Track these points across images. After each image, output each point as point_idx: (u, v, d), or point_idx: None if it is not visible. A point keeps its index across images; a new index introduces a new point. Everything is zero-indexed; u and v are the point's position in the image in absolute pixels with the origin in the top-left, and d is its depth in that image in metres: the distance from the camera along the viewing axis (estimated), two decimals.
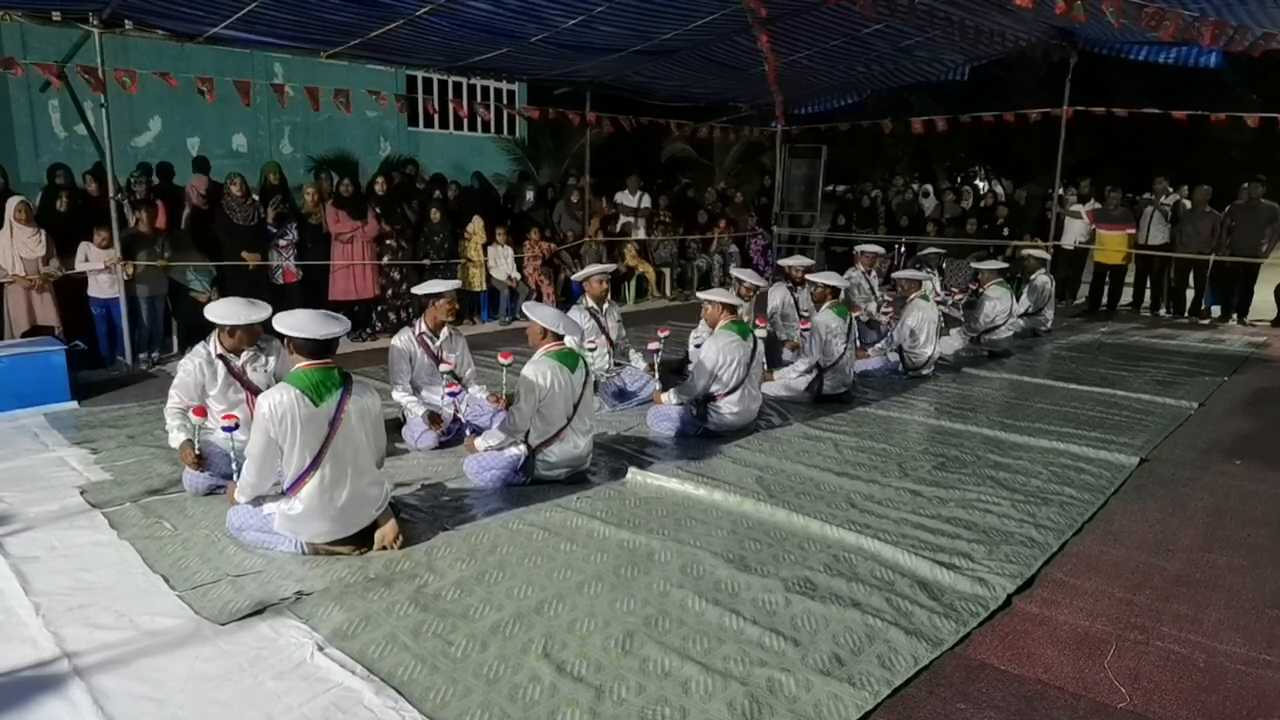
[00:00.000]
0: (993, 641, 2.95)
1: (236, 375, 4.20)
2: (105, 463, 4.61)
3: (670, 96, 11.24)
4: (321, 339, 3.39)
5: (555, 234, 10.56)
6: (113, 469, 4.52)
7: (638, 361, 6.20)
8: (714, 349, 5.17)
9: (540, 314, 4.33)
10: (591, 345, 6.01)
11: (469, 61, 8.87)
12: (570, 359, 4.28)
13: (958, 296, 8.29)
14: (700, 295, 5.48)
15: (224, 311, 4.06)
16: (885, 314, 8.22)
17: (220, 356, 4.18)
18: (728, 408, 5.20)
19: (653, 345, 6.04)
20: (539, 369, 4.16)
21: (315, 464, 3.34)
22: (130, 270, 6.84)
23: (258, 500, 3.54)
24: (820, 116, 12.79)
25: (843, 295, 6.47)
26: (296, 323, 3.39)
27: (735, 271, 6.86)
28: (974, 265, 8.51)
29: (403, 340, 5.16)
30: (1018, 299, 8.55)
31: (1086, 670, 2.78)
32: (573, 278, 8.40)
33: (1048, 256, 9.46)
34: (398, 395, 5.06)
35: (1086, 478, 4.60)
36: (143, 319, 7.11)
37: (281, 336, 3.50)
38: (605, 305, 6.27)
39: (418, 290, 5.32)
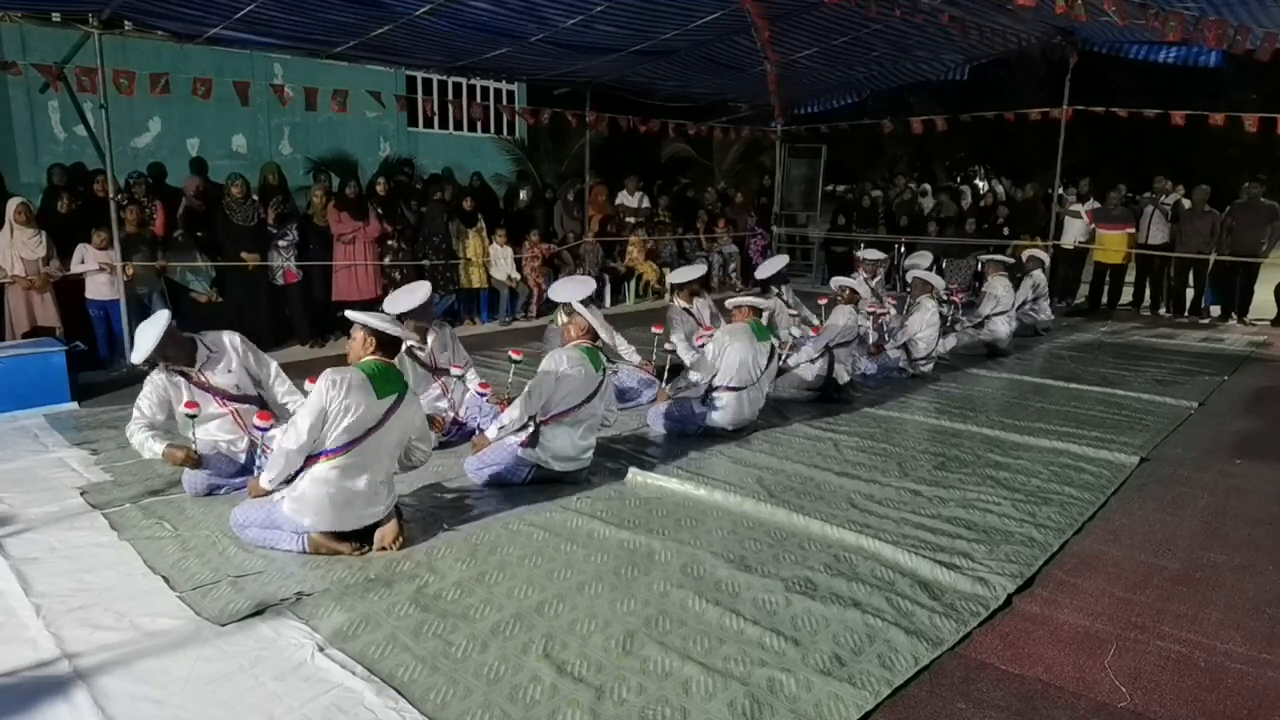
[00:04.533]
0: (993, 641, 2.95)
1: (201, 385, 4.10)
2: (105, 464, 4.61)
3: (670, 96, 11.24)
4: (392, 334, 3.57)
5: (554, 234, 10.57)
6: (113, 470, 4.51)
7: (630, 356, 6.22)
8: (719, 341, 5.17)
9: (591, 316, 4.45)
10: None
11: (469, 61, 8.87)
12: (595, 357, 4.38)
13: (958, 296, 8.28)
14: (729, 304, 5.54)
15: (139, 345, 3.97)
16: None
17: (178, 374, 4.08)
18: (728, 402, 5.17)
19: (668, 346, 6.05)
20: (565, 354, 4.27)
21: (345, 449, 3.36)
22: (130, 272, 6.84)
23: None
24: (820, 116, 12.79)
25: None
26: (379, 320, 3.58)
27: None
28: (981, 258, 8.54)
29: None
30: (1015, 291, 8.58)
31: (1087, 670, 2.78)
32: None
33: (1045, 258, 9.44)
34: None
35: (1087, 477, 4.59)
36: (140, 320, 7.10)
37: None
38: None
39: (388, 308, 4.78)
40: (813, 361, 6.13)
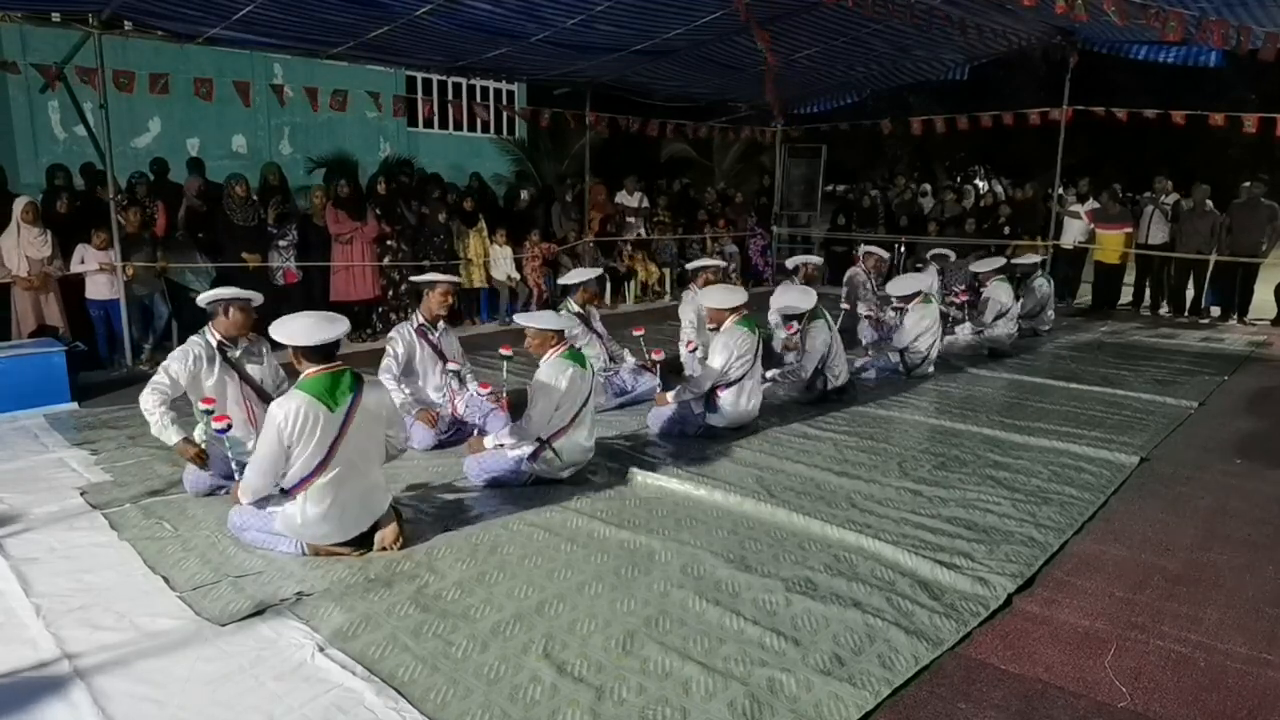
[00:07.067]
0: (993, 641, 2.95)
1: (234, 365, 4.16)
2: (105, 464, 4.61)
3: (670, 96, 11.24)
4: (316, 345, 3.36)
5: (554, 234, 10.57)
6: (113, 470, 4.51)
7: (628, 356, 6.25)
8: (725, 347, 5.13)
9: (540, 320, 4.36)
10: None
11: (468, 61, 8.87)
12: (581, 358, 4.35)
13: (962, 298, 8.27)
14: (704, 302, 5.46)
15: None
16: (871, 314, 8.22)
17: (219, 346, 4.13)
18: (728, 399, 5.19)
19: (658, 356, 6.05)
20: (556, 370, 4.19)
21: (322, 466, 3.33)
22: (130, 271, 6.84)
23: (261, 501, 3.53)
24: (820, 116, 12.79)
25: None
26: (294, 331, 3.37)
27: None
28: (973, 269, 8.46)
29: (404, 335, 5.12)
30: (1016, 299, 8.53)
31: (1087, 670, 2.78)
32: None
33: (1037, 259, 9.36)
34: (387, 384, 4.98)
35: (1087, 477, 4.59)
36: (140, 320, 7.10)
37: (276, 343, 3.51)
38: (591, 309, 6.31)
39: (416, 279, 5.39)
40: (808, 386, 6.12)
